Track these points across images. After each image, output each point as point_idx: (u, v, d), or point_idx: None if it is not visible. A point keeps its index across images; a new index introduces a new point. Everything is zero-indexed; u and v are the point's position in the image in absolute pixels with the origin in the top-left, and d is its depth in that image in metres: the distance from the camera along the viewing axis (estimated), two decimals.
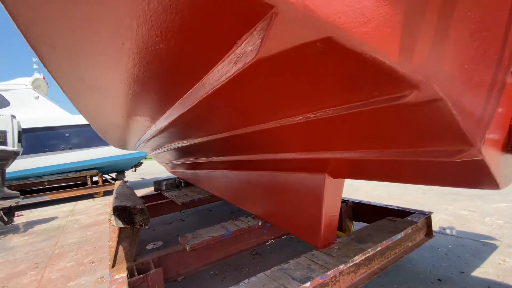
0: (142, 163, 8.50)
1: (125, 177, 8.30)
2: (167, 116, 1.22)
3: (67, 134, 6.48)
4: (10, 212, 4.34)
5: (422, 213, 2.23)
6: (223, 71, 0.62)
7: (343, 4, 0.40)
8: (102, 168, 7.31)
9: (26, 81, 6.50)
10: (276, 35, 0.46)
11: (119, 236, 1.73)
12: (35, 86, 6.62)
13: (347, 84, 0.60)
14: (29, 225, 4.76)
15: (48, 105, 6.56)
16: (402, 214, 2.28)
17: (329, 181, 1.65)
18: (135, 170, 8.66)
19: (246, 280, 1.32)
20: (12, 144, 4.16)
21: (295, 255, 2.49)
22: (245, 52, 0.52)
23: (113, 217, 1.66)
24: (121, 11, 0.47)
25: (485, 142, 0.79)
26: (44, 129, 6.23)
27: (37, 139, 6.16)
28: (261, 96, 0.80)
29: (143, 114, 1.36)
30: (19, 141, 4.31)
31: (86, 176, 6.92)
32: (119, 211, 1.70)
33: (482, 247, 2.39)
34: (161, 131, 1.71)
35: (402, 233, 1.81)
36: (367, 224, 2.30)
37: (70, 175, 6.74)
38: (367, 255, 1.56)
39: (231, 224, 2.23)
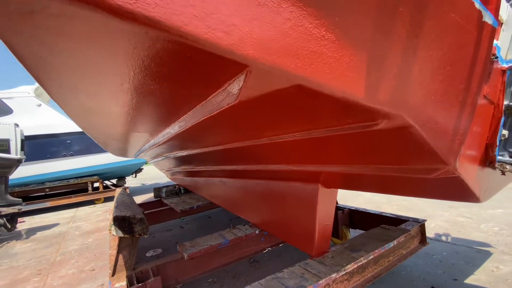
0: (142, 169, 8.56)
1: (125, 183, 8.35)
2: (165, 133, 1.28)
3: (68, 141, 6.56)
4: (12, 219, 4.39)
5: (416, 220, 2.27)
6: (212, 105, 0.69)
7: (309, 58, 0.46)
8: (103, 175, 7.37)
9: (29, 89, 6.60)
10: (252, 85, 0.52)
11: (119, 245, 1.78)
12: (38, 94, 6.72)
13: (322, 115, 0.66)
14: (31, 231, 4.81)
15: (50, 112, 6.65)
16: (396, 221, 2.32)
17: (323, 191, 1.70)
18: (135, 176, 8.72)
19: None
20: (15, 152, 4.23)
21: (292, 262, 2.53)
22: (229, 93, 0.58)
23: (113, 227, 1.71)
24: (121, 64, 0.53)
25: (460, 160, 0.85)
26: (46, 136, 6.32)
27: (39, 146, 6.24)
28: (246, 122, 0.86)
29: (142, 131, 1.42)
30: (22, 149, 4.39)
31: (87, 182, 6.99)
32: (119, 221, 1.76)
33: (477, 254, 2.43)
34: (159, 144, 1.77)
35: (395, 241, 1.85)
36: (363, 231, 2.34)
37: (71, 181, 6.80)
38: (359, 263, 1.60)
39: (229, 233, 2.28)
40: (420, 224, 2.21)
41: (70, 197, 6.62)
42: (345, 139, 0.80)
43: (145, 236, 1.82)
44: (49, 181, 6.57)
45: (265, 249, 2.44)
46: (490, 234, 2.83)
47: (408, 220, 2.30)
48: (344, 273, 1.51)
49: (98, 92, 0.76)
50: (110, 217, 1.95)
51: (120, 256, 1.79)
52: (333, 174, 1.62)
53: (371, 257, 1.68)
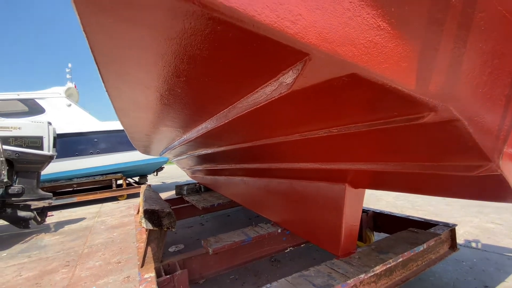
0: (163, 167, 8.80)
1: (147, 181, 8.61)
2: (199, 129, 1.32)
3: (95, 140, 6.87)
4: (42, 212, 4.64)
5: (446, 225, 2.19)
6: (258, 97, 0.71)
7: (366, 47, 0.47)
8: (126, 172, 7.64)
9: (60, 90, 7.00)
10: (308, 74, 0.54)
11: (148, 238, 1.84)
12: (68, 94, 7.11)
13: (369, 107, 0.66)
14: (60, 225, 5.07)
15: (79, 112, 7.01)
16: (424, 225, 2.25)
17: (350, 191, 1.68)
18: (156, 174, 8.97)
19: (269, 285, 1.38)
20: (47, 149, 4.49)
21: (313, 263, 2.51)
22: (282, 83, 0.60)
23: (143, 220, 1.78)
24: (184, 54, 0.56)
25: (503, 157, 0.82)
26: (75, 135, 6.65)
27: (68, 144, 6.57)
28: (289, 115, 0.87)
29: (177, 127, 1.48)
30: (54, 146, 4.64)
31: (111, 179, 7.27)
32: (149, 214, 1.82)
33: (508, 261, 2.30)
34: (190, 141, 1.82)
35: (425, 245, 1.80)
36: (387, 235, 2.29)
37: (97, 178, 7.10)
38: (388, 265, 1.56)
39: (251, 230, 2.30)
40: (451, 229, 2.13)
41: (96, 193, 6.90)
42: (384, 134, 0.80)
43: (173, 230, 1.88)
44: (77, 177, 6.90)
45: (287, 249, 2.44)
46: None
47: (437, 224, 2.22)
48: (372, 274, 1.48)
49: (154, 84, 0.80)
50: (140, 210, 2.02)
51: (149, 249, 1.85)
52: (361, 173, 1.59)
53: (400, 259, 1.63)
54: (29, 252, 3.57)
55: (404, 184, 1.64)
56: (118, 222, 4.83)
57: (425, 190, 1.57)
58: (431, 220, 2.31)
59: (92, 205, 6.80)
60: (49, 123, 4.61)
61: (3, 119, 4.86)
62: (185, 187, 4.66)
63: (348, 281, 1.38)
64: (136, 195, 7.70)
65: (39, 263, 3.13)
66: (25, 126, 4.38)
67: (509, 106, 0.77)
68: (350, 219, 1.71)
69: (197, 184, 4.80)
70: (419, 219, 2.38)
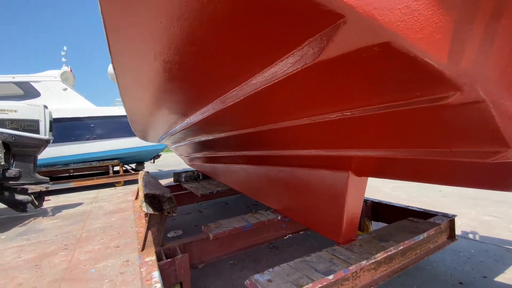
0: (160, 155, 8.75)
1: (144, 168, 8.58)
2: (204, 111, 1.28)
3: (92, 125, 6.78)
4: (40, 196, 4.61)
5: (445, 215, 2.20)
6: (277, 71, 0.67)
7: (402, 13, 0.43)
8: (123, 159, 7.60)
9: (56, 73, 6.84)
10: (339, 41, 0.50)
11: (148, 222, 1.83)
12: (64, 78, 6.95)
13: (391, 86, 0.63)
14: (57, 209, 5.05)
15: (75, 96, 6.88)
16: (423, 215, 2.26)
17: (353, 179, 1.67)
18: (153, 162, 8.94)
19: (270, 269, 1.38)
20: (44, 133, 4.41)
21: (312, 250, 2.53)
22: (305, 54, 0.57)
23: (144, 204, 1.76)
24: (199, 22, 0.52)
25: None
26: (71, 120, 6.55)
27: (64, 129, 6.47)
28: (304, 93, 0.84)
29: (180, 108, 1.43)
30: (50, 130, 4.57)
31: (108, 165, 7.23)
32: (150, 199, 1.80)
33: (507, 253, 2.33)
34: (192, 125, 1.78)
35: (425, 234, 1.81)
36: (385, 224, 2.30)
37: (94, 164, 7.05)
38: (388, 253, 1.57)
39: (251, 217, 2.30)
40: (450, 219, 2.14)
41: (93, 179, 6.88)
42: (400, 117, 0.77)
43: (174, 215, 1.87)
44: (73, 163, 6.84)
45: (286, 235, 2.45)
46: None
47: (436, 215, 2.23)
48: (373, 261, 1.49)
49: (164, 54, 0.76)
50: (140, 194, 2.00)
51: (149, 233, 1.84)
52: (367, 161, 1.57)
53: (401, 247, 1.64)
54: (27, 235, 3.56)
55: (410, 172, 1.62)
56: (116, 208, 4.82)
57: (433, 178, 1.55)
58: (430, 211, 2.33)
59: (89, 191, 6.78)
60: (45, 107, 4.52)
61: None
62: (183, 174, 4.64)
63: (350, 267, 1.38)
64: (133, 182, 7.69)
65: (38, 246, 3.13)
66: (21, 109, 4.29)
67: None
68: (352, 208, 1.70)
69: (196, 172, 4.77)
70: (418, 209, 2.39)
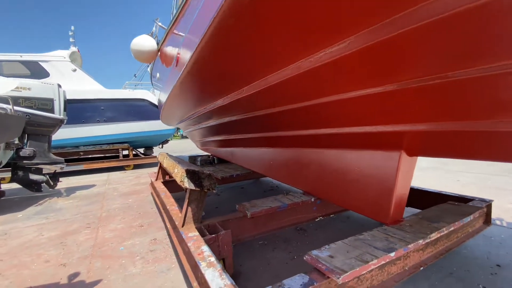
0: (169, 140, 8.70)
1: (153, 153, 8.54)
2: (242, 91, 1.24)
3: (102, 108, 6.69)
4: (55, 176, 4.58)
5: (483, 200, 2.17)
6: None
7: None
8: (133, 143, 7.55)
9: (64, 53, 6.68)
10: None
11: (188, 198, 1.79)
12: (72, 59, 6.80)
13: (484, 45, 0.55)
14: (70, 190, 5.03)
15: (85, 78, 6.76)
16: (458, 200, 2.22)
17: (404, 159, 1.61)
18: (162, 147, 8.89)
19: (327, 246, 1.34)
20: (58, 112, 4.34)
21: (339, 234, 2.51)
22: None
23: (185, 179, 1.71)
24: None
25: None
26: (81, 101, 6.45)
27: (74, 111, 6.38)
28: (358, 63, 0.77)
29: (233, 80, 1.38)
30: (65, 109, 4.49)
31: (118, 149, 7.18)
32: (190, 174, 1.75)
33: None
34: (230, 103, 1.72)
35: (472, 216, 1.77)
36: (417, 210, 2.27)
37: (104, 147, 7.01)
38: (441, 233, 1.54)
39: (284, 198, 2.26)
40: (487, 204, 2.11)
41: (103, 162, 6.85)
42: (475, 85, 0.69)
43: (214, 191, 1.82)
44: (83, 145, 6.79)
45: (317, 218, 2.43)
46: None
47: (473, 199, 2.19)
48: (428, 240, 1.46)
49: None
50: (178, 170, 1.95)
51: (189, 209, 1.80)
52: (418, 137, 1.50)
53: (452, 228, 1.61)
54: (45, 214, 3.54)
55: (465, 147, 1.53)
56: (131, 190, 4.80)
57: (486, 153, 1.48)
58: (466, 196, 2.29)
59: (99, 173, 6.76)
60: (59, 86, 4.42)
61: (13, 79, 4.64)
62: (199, 159, 4.60)
63: (409, 246, 1.34)
64: (143, 166, 7.66)
65: (59, 225, 3.11)
66: (35, 87, 4.20)
67: None
68: (401, 188, 1.65)
69: (210, 156, 4.73)
70: (453, 194, 2.35)
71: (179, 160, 2.62)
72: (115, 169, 7.28)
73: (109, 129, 6.88)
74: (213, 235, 1.61)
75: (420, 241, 1.40)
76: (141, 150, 8.90)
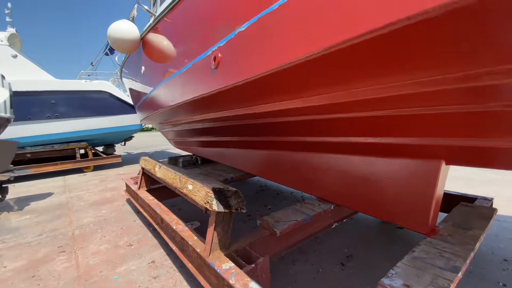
0: (133, 136, 7.91)
1: (115, 151, 7.70)
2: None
3: (53, 101, 5.72)
4: (2, 187, 3.80)
5: (485, 198, 2.30)
6: None
7: None
8: (92, 141, 6.69)
9: (2, 36, 5.49)
10: None
11: (214, 221, 1.53)
12: (11, 42, 5.63)
13: None
14: (22, 201, 4.25)
15: (29, 65, 5.64)
16: (466, 199, 2.33)
17: (443, 168, 1.58)
18: (124, 144, 8.07)
19: (392, 271, 1.24)
20: (3, 110, 3.55)
21: (351, 239, 2.48)
22: None
23: (214, 201, 1.45)
24: None
25: None
26: (26, 94, 5.42)
27: (18, 105, 5.35)
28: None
29: None
30: (11, 106, 3.69)
31: (74, 148, 6.29)
32: (217, 194, 1.50)
33: None
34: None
35: (491, 220, 1.84)
36: None
37: (56, 147, 6.07)
38: (481, 241, 1.55)
39: (304, 207, 2.12)
40: (491, 202, 2.24)
41: (56, 164, 5.94)
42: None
43: (243, 211, 1.59)
44: (30, 146, 5.79)
45: (333, 225, 2.34)
46: None
47: (476, 198, 2.32)
48: (475, 251, 1.45)
49: None
50: (200, 189, 1.65)
51: (215, 234, 1.55)
52: (460, 149, 1.49)
53: (485, 234, 1.64)
54: (0, 237, 2.89)
55: (496, 159, 1.58)
56: (100, 198, 4.22)
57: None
58: (469, 194, 2.41)
59: (52, 178, 5.86)
60: (3, 76, 3.61)
61: None
62: (181, 160, 4.21)
63: (467, 261, 1.31)
64: (104, 167, 6.87)
65: (22, 250, 2.55)
66: None
67: None
68: (438, 197, 1.63)
69: (194, 156, 4.37)
70: (457, 194, 2.46)
71: (180, 171, 2.28)
72: (72, 172, 6.39)
73: (63, 126, 5.95)
74: (252, 265, 1.40)
75: (472, 254, 1.38)
76: (100, 148, 7.98)
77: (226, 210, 1.50)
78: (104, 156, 6.74)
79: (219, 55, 1.46)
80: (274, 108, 1.59)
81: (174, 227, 1.94)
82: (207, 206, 1.49)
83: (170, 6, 2.02)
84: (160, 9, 2.38)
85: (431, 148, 1.54)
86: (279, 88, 1.40)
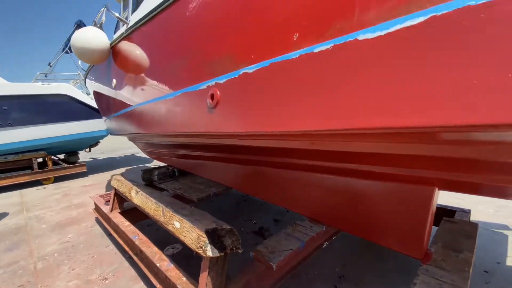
0: (99, 142, 7.31)
1: (78, 159, 7.06)
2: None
3: (5, 107, 5.04)
4: None
5: (463, 210, 2.41)
6: None
7: None
8: (52, 149, 6.05)
9: None
10: None
11: (208, 266, 1.39)
12: None
13: None
14: None
15: None
16: (446, 212, 2.42)
17: (436, 192, 1.60)
18: (89, 150, 7.43)
19: None
20: None
21: (340, 258, 2.47)
22: None
23: (208, 246, 1.31)
24: None
25: None
26: None
27: None
28: None
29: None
30: None
31: (31, 158, 5.65)
32: (211, 237, 1.36)
33: (493, 235, 2.74)
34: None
35: (477, 237, 1.91)
36: None
37: (10, 158, 5.39)
38: (472, 264, 1.58)
39: (296, 231, 2.05)
40: (469, 215, 2.35)
41: (10, 177, 5.29)
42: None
43: (239, 251, 1.46)
44: None
45: (323, 245, 2.30)
46: (489, 215, 3.23)
47: (456, 211, 2.42)
48: (470, 278, 1.47)
49: None
50: (188, 229, 1.48)
51: (208, 279, 1.41)
52: (455, 181, 1.53)
53: (474, 257, 1.68)
54: None
55: (485, 189, 1.66)
56: (65, 218, 3.81)
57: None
58: (448, 206, 2.51)
59: (7, 193, 5.20)
60: None
61: None
62: (156, 172, 3.93)
63: None
64: (68, 177, 6.27)
65: None
66: None
67: None
68: (431, 220, 1.65)
69: (170, 168, 4.11)
70: (437, 205, 2.54)
71: (162, 198, 2.07)
72: (29, 185, 5.74)
73: (17, 135, 5.29)
74: None
75: (468, 283, 1.40)
76: (61, 156, 7.29)
77: (221, 254, 1.37)
78: (66, 165, 6.14)
79: (218, 93, 1.29)
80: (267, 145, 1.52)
81: (158, 264, 1.76)
82: (200, 252, 1.34)
83: (149, 16, 1.80)
84: (134, 17, 2.12)
85: (424, 177, 1.55)
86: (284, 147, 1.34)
